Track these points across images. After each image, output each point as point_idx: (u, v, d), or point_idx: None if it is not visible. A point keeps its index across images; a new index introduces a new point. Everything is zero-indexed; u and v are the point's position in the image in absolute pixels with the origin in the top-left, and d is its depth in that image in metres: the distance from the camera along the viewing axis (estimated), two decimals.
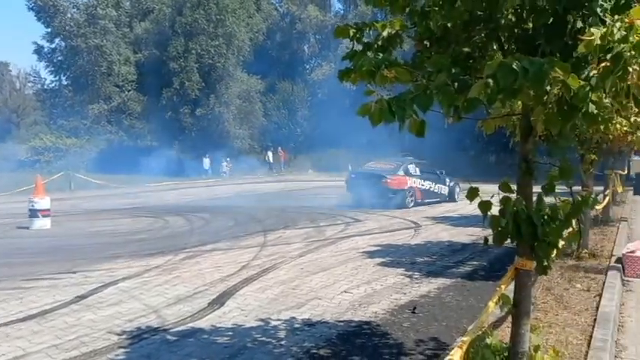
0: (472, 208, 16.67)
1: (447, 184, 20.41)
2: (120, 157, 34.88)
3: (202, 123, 39.40)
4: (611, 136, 8.43)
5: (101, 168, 33.32)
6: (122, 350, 5.35)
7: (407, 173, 18.88)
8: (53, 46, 40.81)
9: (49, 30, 39.81)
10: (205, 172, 38.16)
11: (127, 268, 9.30)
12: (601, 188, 13.79)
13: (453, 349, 3.47)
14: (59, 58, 40.95)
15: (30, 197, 14.74)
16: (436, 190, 19.91)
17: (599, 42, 2.18)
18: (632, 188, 21.58)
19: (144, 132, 40.57)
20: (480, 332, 4.02)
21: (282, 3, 50.18)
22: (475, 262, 9.70)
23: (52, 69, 41.70)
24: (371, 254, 10.36)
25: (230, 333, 5.88)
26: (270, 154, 41.58)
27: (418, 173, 19.27)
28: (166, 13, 39.84)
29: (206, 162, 38.71)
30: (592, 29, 2.22)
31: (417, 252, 10.64)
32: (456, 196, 20.44)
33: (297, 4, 48.37)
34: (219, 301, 7.15)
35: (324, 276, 8.60)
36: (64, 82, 42.19)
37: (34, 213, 14.23)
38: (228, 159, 39.47)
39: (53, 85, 43.40)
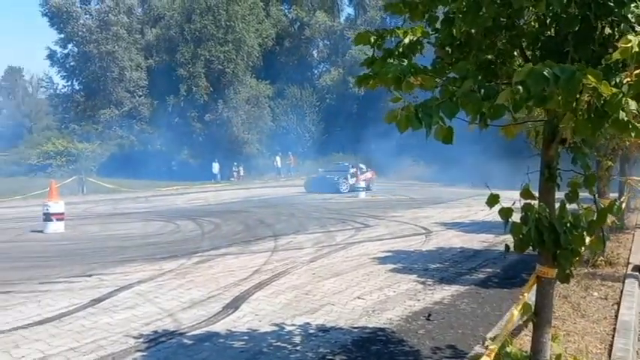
0: (483, 215, 16.70)
1: None
2: (130, 162, 35.13)
3: (211, 128, 39.57)
4: (627, 143, 8.41)
5: (112, 172, 33.61)
6: (140, 354, 5.36)
7: None
8: (66, 51, 41.41)
9: (62, 36, 40.32)
10: (214, 177, 38.30)
11: (140, 271, 9.33)
12: (616, 195, 13.71)
13: (475, 357, 3.45)
14: (71, 63, 41.44)
15: (44, 201, 14.84)
16: None
17: (636, 49, 2.17)
18: None
19: (154, 137, 40.88)
20: (504, 340, 3.99)
21: (291, 9, 50.38)
22: (489, 269, 9.63)
23: (65, 74, 42.24)
24: (382, 260, 10.32)
25: (245, 337, 5.88)
26: (278, 158, 41.68)
27: None
28: (177, 19, 40.10)
29: (215, 167, 38.87)
30: (629, 36, 2.21)
31: (428, 258, 10.57)
32: None
33: (306, 10, 48.56)
34: (234, 305, 7.15)
35: (336, 281, 8.58)
36: (76, 88, 42.74)
37: (48, 217, 14.29)
38: (236, 163, 39.66)
39: (65, 90, 43.94)
